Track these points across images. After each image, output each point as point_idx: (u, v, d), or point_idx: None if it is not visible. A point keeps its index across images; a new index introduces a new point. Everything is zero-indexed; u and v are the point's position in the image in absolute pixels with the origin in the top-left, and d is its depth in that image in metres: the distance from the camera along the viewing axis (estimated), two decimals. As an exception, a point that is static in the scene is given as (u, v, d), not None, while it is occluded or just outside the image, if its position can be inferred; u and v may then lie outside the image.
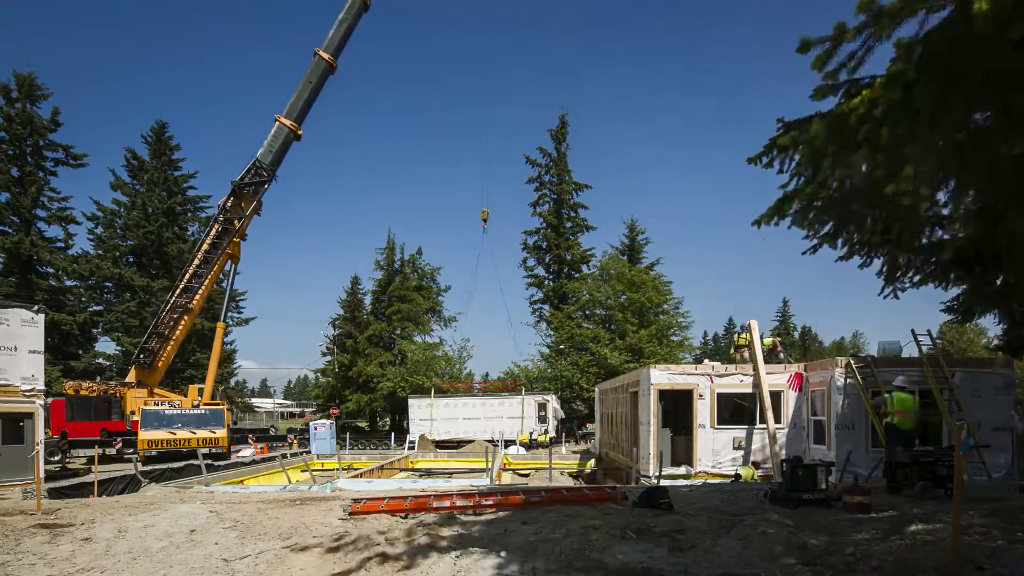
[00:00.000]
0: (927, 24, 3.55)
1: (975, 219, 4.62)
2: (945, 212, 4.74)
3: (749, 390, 14.10)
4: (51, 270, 38.83)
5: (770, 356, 15.45)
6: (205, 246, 24.18)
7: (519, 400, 23.63)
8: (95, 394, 24.00)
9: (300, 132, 25.15)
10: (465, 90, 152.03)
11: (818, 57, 3.83)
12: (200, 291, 24.25)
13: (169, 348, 24.20)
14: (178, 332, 24.19)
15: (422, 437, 34.05)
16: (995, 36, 3.23)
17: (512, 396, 23.40)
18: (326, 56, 24.74)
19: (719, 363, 15.10)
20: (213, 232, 24.20)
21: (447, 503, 8.54)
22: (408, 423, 20.22)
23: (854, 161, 4.02)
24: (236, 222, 24.14)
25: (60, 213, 38.69)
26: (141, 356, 24.01)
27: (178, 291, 24.02)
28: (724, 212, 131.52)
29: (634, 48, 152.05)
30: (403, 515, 8.10)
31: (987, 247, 4.96)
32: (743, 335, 15.53)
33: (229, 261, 25.20)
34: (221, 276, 25.90)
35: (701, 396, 14.08)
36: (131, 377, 24.08)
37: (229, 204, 24.13)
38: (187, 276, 24.11)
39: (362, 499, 8.79)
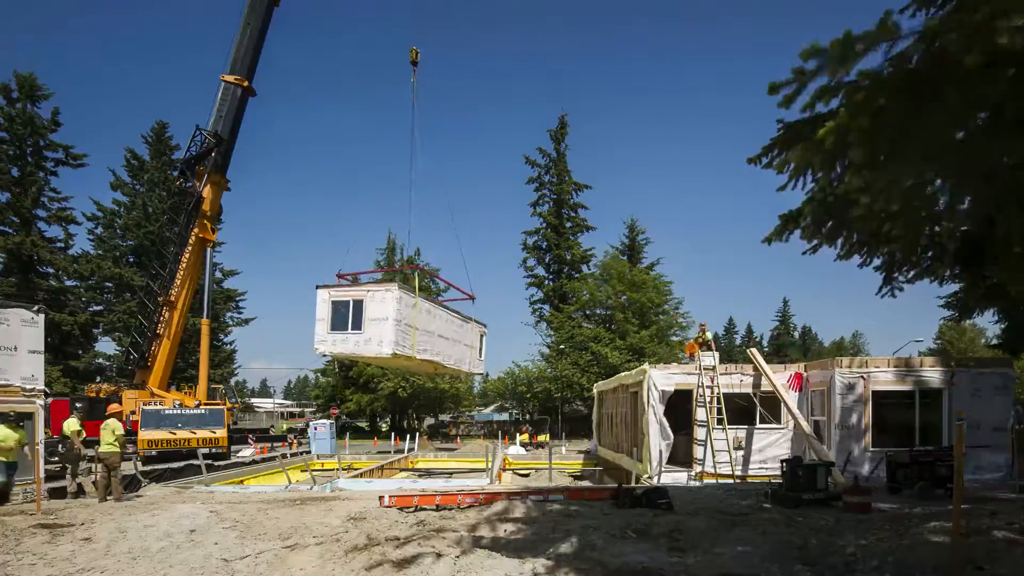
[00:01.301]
0: (895, 49, 3.49)
1: (968, 218, 4.61)
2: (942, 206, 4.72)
3: (749, 390, 14.12)
4: (51, 270, 38.81)
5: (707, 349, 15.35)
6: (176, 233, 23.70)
7: (471, 328, 18.31)
8: (104, 396, 23.94)
9: (246, 84, 23.30)
10: (464, 89, 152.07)
11: (786, 97, 3.77)
12: (178, 282, 23.40)
13: (162, 346, 23.62)
14: (171, 330, 23.59)
15: (422, 437, 33.67)
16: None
17: (465, 321, 18.11)
18: None
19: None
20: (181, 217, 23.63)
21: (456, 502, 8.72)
22: (365, 321, 14.24)
23: (840, 181, 4.02)
24: (205, 204, 23.42)
25: (60, 213, 38.69)
26: (134, 354, 23.83)
27: (158, 284, 23.52)
28: (724, 212, 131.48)
29: (634, 48, 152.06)
30: (412, 509, 8.11)
31: (982, 245, 4.95)
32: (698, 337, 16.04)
33: (208, 250, 24.51)
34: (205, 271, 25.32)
35: (701, 396, 14.10)
36: (137, 379, 24.05)
37: (180, 184, 23.40)
38: (168, 267, 23.65)
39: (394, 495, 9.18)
